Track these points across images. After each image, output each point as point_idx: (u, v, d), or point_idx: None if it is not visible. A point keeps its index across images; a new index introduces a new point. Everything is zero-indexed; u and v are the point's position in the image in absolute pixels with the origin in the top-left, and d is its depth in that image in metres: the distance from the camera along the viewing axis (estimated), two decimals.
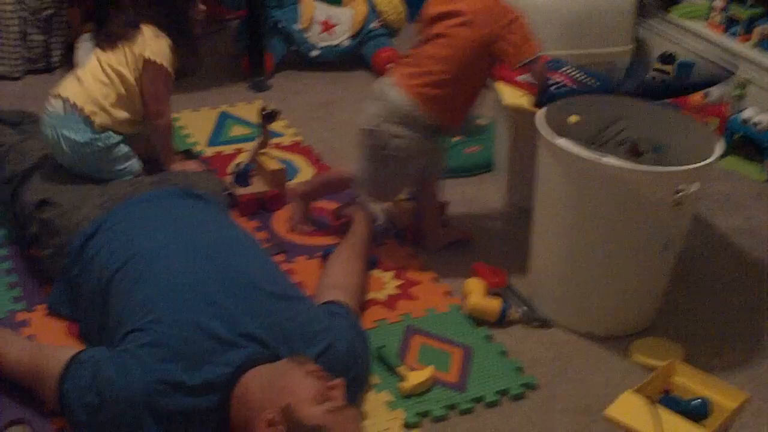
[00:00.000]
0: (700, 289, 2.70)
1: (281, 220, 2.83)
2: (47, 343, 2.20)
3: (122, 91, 2.64)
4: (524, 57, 2.43)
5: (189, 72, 2.66)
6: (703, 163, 2.27)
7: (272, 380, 1.88)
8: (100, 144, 2.60)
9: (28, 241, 2.55)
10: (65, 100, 2.61)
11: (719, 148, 2.34)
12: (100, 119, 2.61)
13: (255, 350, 1.96)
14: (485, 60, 2.49)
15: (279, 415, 1.80)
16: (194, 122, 3.39)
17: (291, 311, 2.07)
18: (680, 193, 2.26)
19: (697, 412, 1.92)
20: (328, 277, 2.40)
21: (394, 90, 2.53)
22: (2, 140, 2.81)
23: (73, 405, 1.92)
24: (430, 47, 2.50)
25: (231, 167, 2.95)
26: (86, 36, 3.43)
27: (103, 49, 2.68)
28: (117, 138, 2.64)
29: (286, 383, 1.85)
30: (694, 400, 1.95)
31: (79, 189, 2.53)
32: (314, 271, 2.58)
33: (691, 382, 2.04)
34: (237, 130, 3.36)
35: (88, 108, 2.60)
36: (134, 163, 2.69)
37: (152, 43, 2.64)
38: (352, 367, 2.07)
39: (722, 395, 1.99)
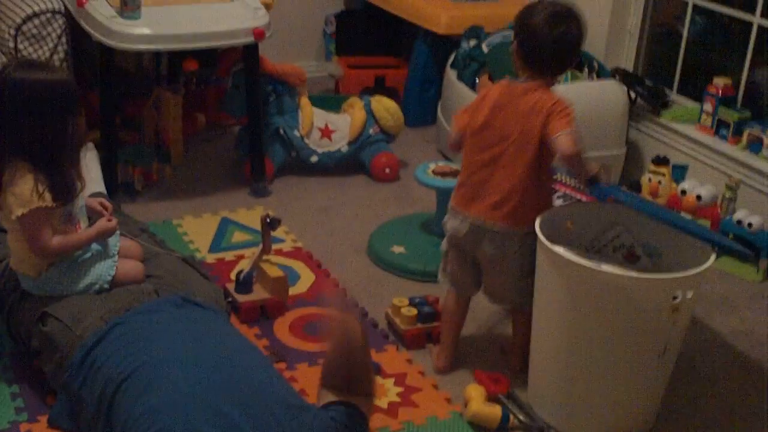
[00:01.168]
0: (699, 392, 2.72)
1: (282, 327, 2.85)
2: None
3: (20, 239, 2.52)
4: None
5: (67, 195, 2.45)
6: (698, 270, 2.32)
7: None
8: (47, 283, 2.56)
9: (31, 355, 2.57)
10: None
11: (713, 254, 2.38)
12: (24, 269, 2.56)
13: None
14: None
15: None
16: (196, 228, 3.43)
17: (296, 421, 2.08)
18: (677, 299, 2.30)
19: None
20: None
21: None
22: (5, 253, 2.83)
23: None
24: None
25: (233, 274, 2.98)
26: (90, 145, 3.49)
27: None
28: (55, 270, 2.55)
29: None
30: None
31: (79, 300, 2.53)
32: (316, 378, 2.58)
33: None
34: (238, 236, 3.41)
35: (16, 266, 2.58)
36: (100, 274, 2.57)
37: (16, 196, 2.41)
38: None
39: None
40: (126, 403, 2.14)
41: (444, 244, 2.70)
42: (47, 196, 2.41)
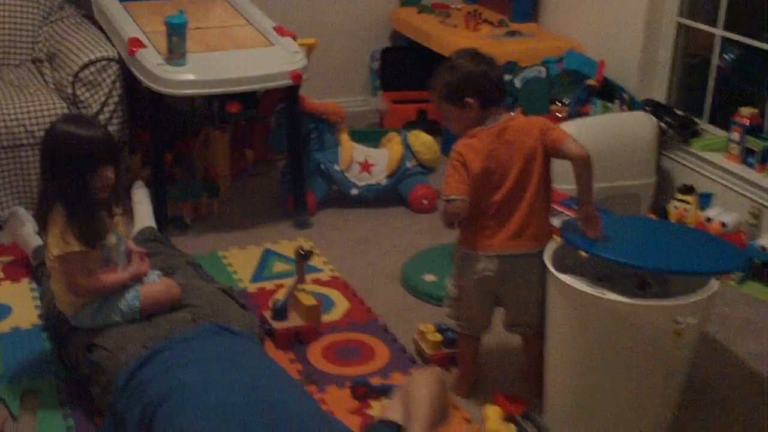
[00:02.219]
0: (716, 414, 2.81)
1: (315, 352, 3.03)
2: None
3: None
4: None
5: (89, 241, 2.64)
6: (699, 298, 2.42)
7: None
8: (84, 320, 2.77)
9: (80, 380, 2.79)
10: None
11: (716, 284, 2.48)
12: (64, 308, 2.79)
13: None
14: None
15: None
16: (240, 260, 3.64)
17: (326, 428, 2.26)
18: (679, 325, 2.41)
19: None
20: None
21: None
22: None
23: None
24: None
25: (270, 302, 3.17)
26: (140, 183, 3.72)
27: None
28: (88, 308, 2.75)
29: None
30: None
31: (122, 330, 2.74)
32: (344, 400, 2.76)
33: None
34: (279, 267, 3.60)
35: (58, 305, 2.81)
36: (127, 305, 2.76)
37: (54, 238, 2.64)
38: None
39: None
40: (165, 421, 2.33)
41: (454, 291, 2.80)
42: (73, 240, 2.63)
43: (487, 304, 2.79)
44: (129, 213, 3.04)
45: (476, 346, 2.87)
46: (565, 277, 2.50)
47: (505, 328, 2.86)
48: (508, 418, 2.68)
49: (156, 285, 2.83)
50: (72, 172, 2.59)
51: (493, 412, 2.67)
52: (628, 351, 2.46)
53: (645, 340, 2.44)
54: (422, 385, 2.40)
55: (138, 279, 2.80)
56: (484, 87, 2.65)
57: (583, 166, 2.61)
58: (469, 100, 2.63)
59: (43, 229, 2.71)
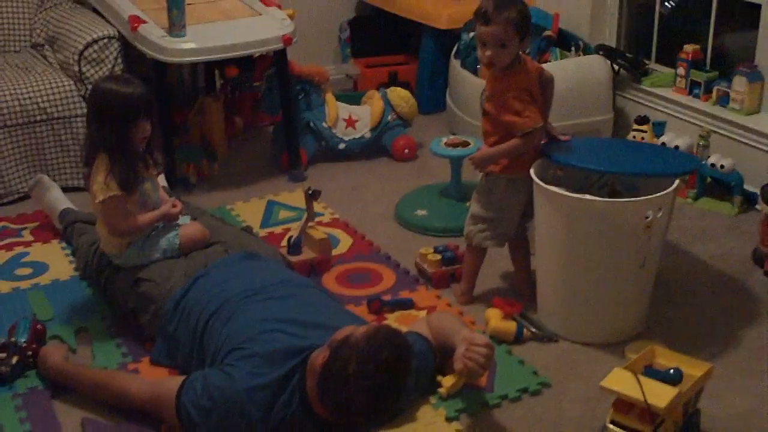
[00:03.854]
0: (681, 303, 3.25)
1: (330, 280, 3.42)
2: (160, 377, 2.79)
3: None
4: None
5: (129, 186, 2.97)
6: (663, 193, 2.85)
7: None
8: (130, 258, 3.11)
9: (127, 314, 3.14)
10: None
11: (677, 182, 2.91)
12: (110, 249, 3.14)
13: (321, 341, 2.53)
14: None
15: (325, 348, 2.44)
16: (246, 210, 4.00)
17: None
18: (648, 219, 2.84)
19: (672, 378, 2.45)
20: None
21: None
22: (94, 239, 3.40)
23: (190, 412, 2.51)
24: None
25: (283, 242, 3.54)
26: None
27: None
28: (133, 248, 3.10)
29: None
30: (669, 369, 2.49)
31: (163, 265, 3.10)
32: (362, 315, 3.14)
33: (667, 361, 2.58)
34: (283, 214, 3.97)
35: (103, 248, 3.17)
36: (168, 243, 3.11)
37: (97, 184, 2.96)
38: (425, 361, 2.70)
39: (692, 367, 2.52)
40: (217, 330, 2.72)
41: (490, 214, 3.10)
42: (113, 185, 2.96)
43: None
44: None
45: (483, 259, 3.26)
46: (551, 188, 2.91)
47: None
48: (508, 318, 3.09)
49: (191, 226, 3.19)
50: (115, 125, 2.93)
51: (494, 314, 3.08)
52: (607, 245, 2.87)
53: (621, 235, 2.85)
54: (446, 316, 2.93)
55: (171, 221, 3.14)
56: None
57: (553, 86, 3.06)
58: (528, 35, 2.95)
59: (87, 177, 3.05)
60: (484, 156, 3.05)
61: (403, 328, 2.81)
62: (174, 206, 3.16)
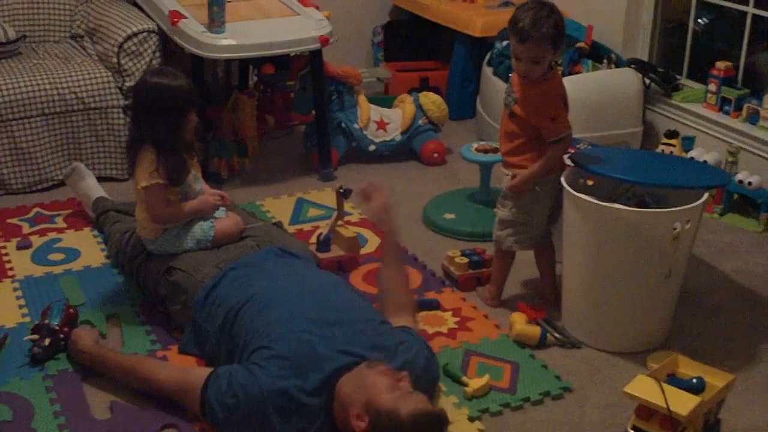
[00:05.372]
0: (704, 316, 3.27)
1: (357, 278, 3.46)
2: (188, 366, 2.83)
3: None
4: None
5: (177, 179, 3.06)
6: (692, 205, 2.88)
7: (356, 382, 2.48)
8: (164, 245, 3.17)
9: (157, 302, 3.19)
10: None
11: (706, 195, 2.94)
12: (146, 234, 3.20)
13: (346, 361, 2.55)
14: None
15: (362, 409, 2.40)
16: (276, 207, 4.05)
17: (378, 330, 2.70)
18: (676, 230, 2.87)
19: (694, 387, 2.49)
20: (392, 312, 2.92)
21: None
22: (127, 227, 3.47)
23: (214, 407, 2.54)
24: None
25: (313, 238, 3.59)
26: None
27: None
28: (168, 234, 3.16)
29: (365, 383, 2.45)
30: (692, 378, 2.52)
31: (196, 255, 3.15)
32: None
33: (690, 370, 2.61)
34: (313, 212, 4.02)
35: (140, 233, 3.22)
36: (202, 233, 3.17)
37: (142, 171, 3.04)
38: (429, 372, 2.68)
39: (714, 377, 2.56)
40: (245, 323, 2.75)
41: (522, 218, 3.14)
42: (161, 175, 3.03)
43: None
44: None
45: (512, 263, 3.30)
46: (581, 196, 2.94)
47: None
48: (531, 323, 3.12)
49: (226, 219, 3.24)
50: (166, 118, 2.99)
51: (518, 318, 3.11)
52: (634, 255, 2.91)
53: (648, 245, 2.88)
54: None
55: (211, 210, 3.19)
56: None
57: None
58: (563, 44, 2.98)
59: (131, 166, 3.10)
60: (524, 180, 3.08)
61: (397, 322, 2.83)
62: (212, 195, 3.22)
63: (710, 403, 2.47)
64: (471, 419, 2.70)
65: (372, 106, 4.52)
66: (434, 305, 3.27)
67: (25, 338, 2.96)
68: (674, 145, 4.17)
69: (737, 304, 3.37)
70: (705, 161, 4.00)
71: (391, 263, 3.04)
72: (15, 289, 3.35)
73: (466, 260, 3.42)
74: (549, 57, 2.94)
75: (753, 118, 4.08)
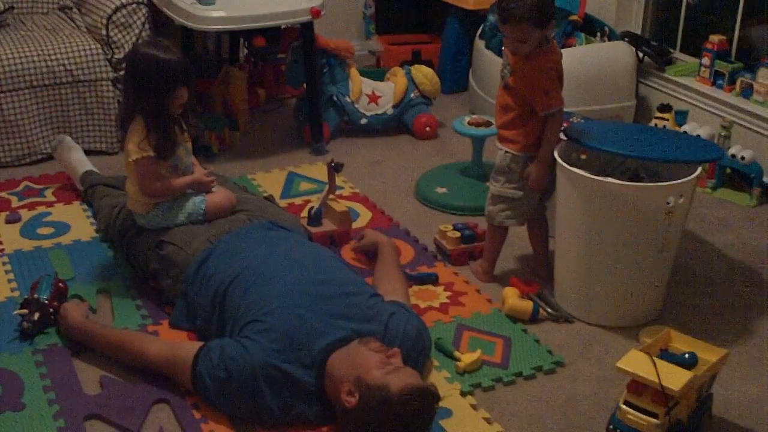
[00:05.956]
0: (698, 290, 3.27)
1: (348, 252, 3.44)
2: (179, 340, 2.82)
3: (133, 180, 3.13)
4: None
5: (164, 151, 3.01)
6: (685, 179, 2.86)
7: (347, 358, 2.48)
8: (155, 219, 3.15)
9: (148, 276, 3.17)
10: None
11: (699, 169, 2.93)
12: (137, 208, 3.16)
13: (338, 335, 2.55)
14: None
15: (353, 385, 2.39)
16: (267, 181, 4.03)
17: (369, 302, 2.68)
18: (669, 204, 2.85)
19: (687, 362, 2.48)
20: (386, 291, 2.92)
21: None
22: (116, 201, 3.44)
23: (205, 381, 2.53)
24: None
25: (305, 211, 3.57)
26: None
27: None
28: (159, 208, 3.13)
29: (356, 359, 2.45)
30: (685, 353, 2.51)
31: (187, 229, 3.12)
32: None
33: (683, 345, 2.60)
34: (304, 186, 4.00)
35: (131, 206, 3.18)
36: (194, 207, 3.14)
37: (132, 144, 3.00)
38: (420, 342, 2.68)
39: (707, 352, 2.55)
40: (236, 297, 2.73)
41: (516, 193, 3.12)
42: (149, 148, 3.00)
43: None
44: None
45: (504, 238, 3.29)
46: (575, 170, 2.92)
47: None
48: (524, 297, 3.11)
49: (218, 194, 3.21)
50: (153, 90, 2.95)
51: (511, 293, 3.10)
52: (627, 229, 2.89)
53: (641, 219, 2.87)
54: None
55: (201, 189, 3.16)
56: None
57: None
58: (552, 20, 2.95)
59: (122, 138, 3.07)
60: (540, 172, 3.06)
61: (390, 297, 2.83)
62: (206, 175, 3.19)
63: (703, 378, 2.46)
64: (463, 394, 2.69)
65: (364, 79, 4.49)
66: (433, 279, 3.25)
67: (14, 312, 2.94)
68: (667, 119, 4.15)
69: (730, 278, 3.37)
70: (698, 135, 3.98)
71: (387, 260, 3.15)
72: (4, 264, 3.33)
73: (458, 234, 3.40)
74: (535, 35, 2.92)
75: (746, 92, 4.06)
